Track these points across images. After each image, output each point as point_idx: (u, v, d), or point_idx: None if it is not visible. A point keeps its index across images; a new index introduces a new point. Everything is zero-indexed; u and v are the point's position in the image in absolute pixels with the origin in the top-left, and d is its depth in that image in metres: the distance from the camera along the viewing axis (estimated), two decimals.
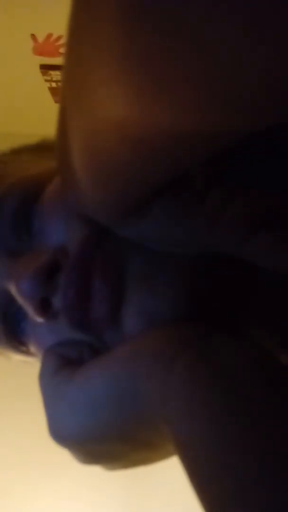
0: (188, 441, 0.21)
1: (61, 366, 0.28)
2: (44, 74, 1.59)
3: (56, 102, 1.68)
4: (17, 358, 0.35)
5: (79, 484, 1.44)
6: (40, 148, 0.38)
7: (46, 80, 1.61)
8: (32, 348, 0.32)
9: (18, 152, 0.39)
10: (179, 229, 0.24)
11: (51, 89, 1.64)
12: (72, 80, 0.19)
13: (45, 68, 1.57)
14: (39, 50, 1.52)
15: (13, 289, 0.29)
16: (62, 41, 1.46)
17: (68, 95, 0.20)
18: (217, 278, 0.28)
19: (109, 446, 0.26)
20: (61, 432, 0.27)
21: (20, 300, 0.29)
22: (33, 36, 1.48)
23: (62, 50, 1.49)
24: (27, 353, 0.33)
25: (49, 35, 1.47)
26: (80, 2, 0.16)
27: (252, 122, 0.16)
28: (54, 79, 1.59)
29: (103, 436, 0.25)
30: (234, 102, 0.14)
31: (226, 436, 0.20)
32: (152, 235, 0.25)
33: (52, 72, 1.57)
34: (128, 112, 0.17)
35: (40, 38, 1.48)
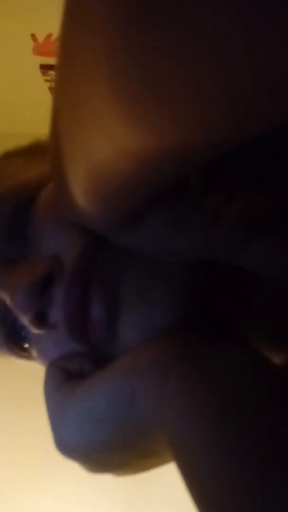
0: (184, 451, 0.21)
1: (64, 380, 0.28)
2: (44, 74, 1.59)
3: None
4: (18, 361, 0.35)
5: (79, 485, 1.44)
6: (32, 151, 0.38)
7: (46, 80, 1.61)
8: (34, 354, 0.33)
9: (10, 156, 0.38)
10: (176, 235, 0.24)
11: (51, 89, 1.65)
12: (65, 94, 0.19)
13: (45, 68, 1.57)
14: (39, 50, 1.52)
15: (8, 301, 0.29)
16: None
17: (62, 108, 0.20)
18: (214, 287, 0.28)
19: (113, 456, 0.27)
20: (66, 445, 0.27)
21: (15, 312, 0.29)
22: (33, 36, 1.48)
23: None
24: (28, 358, 0.33)
25: (49, 35, 1.47)
26: (72, 14, 0.16)
27: (255, 127, 0.15)
28: (54, 79, 1.59)
29: (106, 447, 0.26)
30: (237, 107, 0.14)
31: (221, 445, 0.20)
32: (149, 243, 0.25)
33: (52, 72, 1.57)
34: (127, 128, 0.17)
35: (40, 38, 1.48)
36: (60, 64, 0.18)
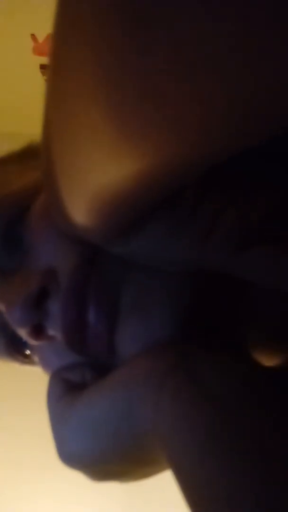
0: (179, 462, 0.21)
1: (65, 392, 0.28)
2: (44, 74, 1.59)
3: None
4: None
5: (79, 486, 1.44)
6: (26, 155, 0.38)
7: (46, 80, 1.61)
8: (36, 360, 0.33)
9: (3, 162, 0.38)
10: (172, 245, 0.24)
11: None
12: (58, 110, 0.19)
13: (45, 68, 1.56)
14: (39, 50, 1.51)
15: (5, 314, 0.29)
16: None
17: (54, 125, 0.20)
18: (214, 287, 0.28)
19: (114, 465, 0.27)
20: (69, 456, 0.27)
21: (13, 326, 0.29)
22: (33, 36, 1.48)
23: None
24: (31, 363, 0.34)
25: (49, 35, 1.46)
26: (63, 24, 0.15)
27: (257, 135, 0.15)
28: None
29: (106, 457, 0.26)
30: (237, 111, 0.14)
31: (215, 455, 0.20)
32: (145, 253, 0.25)
33: None
34: (126, 150, 0.16)
35: (40, 38, 1.48)
36: (52, 78, 0.18)
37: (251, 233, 0.23)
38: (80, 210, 0.22)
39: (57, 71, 0.17)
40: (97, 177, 0.19)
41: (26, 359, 0.34)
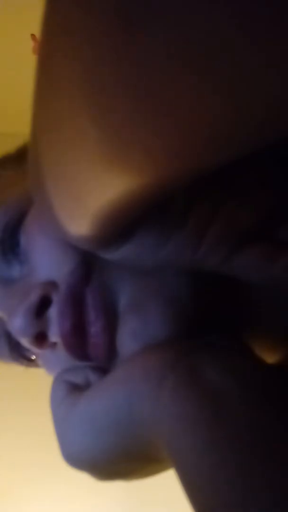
0: (180, 457, 0.21)
1: (68, 393, 0.28)
2: None
3: None
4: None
5: (79, 486, 1.44)
6: (22, 158, 0.37)
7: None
8: (40, 364, 0.33)
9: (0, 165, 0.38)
10: (164, 250, 0.24)
11: None
12: (47, 128, 0.18)
13: None
14: None
15: (7, 324, 0.30)
16: None
17: (42, 138, 0.19)
18: (210, 293, 0.28)
19: (118, 464, 0.27)
20: (73, 457, 0.27)
21: (15, 336, 0.30)
22: (33, 36, 1.48)
23: None
24: (37, 366, 0.34)
25: None
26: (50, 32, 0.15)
27: (262, 139, 0.15)
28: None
29: (110, 456, 0.26)
30: (249, 122, 0.13)
31: (215, 450, 0.20)
32: (137, 258, 0.25)
33: None
34: (117, 174, 0.16)
35: None
36: (38, 85, 0.18)
37: (243, 235, 0.23)
38: (70, 221, 0.22)
39: (44, 79, 0.17)
40: (88, 190, 0.19)
41: (32, 363, 0.34)
